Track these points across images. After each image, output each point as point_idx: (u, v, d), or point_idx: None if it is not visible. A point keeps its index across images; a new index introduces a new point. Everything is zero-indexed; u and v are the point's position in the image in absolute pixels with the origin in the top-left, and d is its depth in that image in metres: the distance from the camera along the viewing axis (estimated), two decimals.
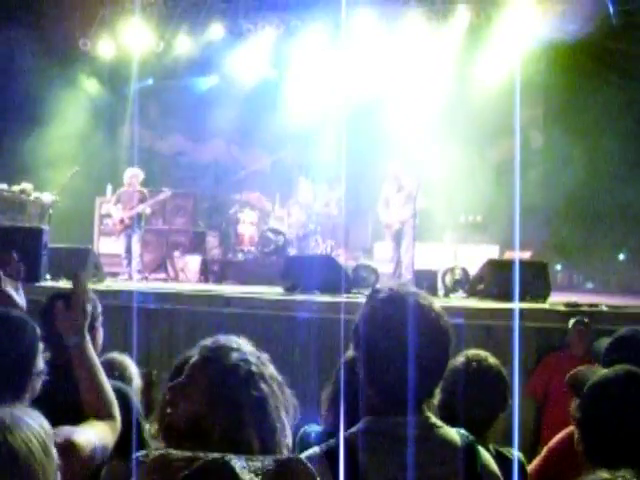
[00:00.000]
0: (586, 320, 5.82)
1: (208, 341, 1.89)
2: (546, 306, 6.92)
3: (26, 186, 9.99)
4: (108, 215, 11.33)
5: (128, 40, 12.76)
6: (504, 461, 2.57)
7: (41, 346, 2.26)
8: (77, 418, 2.21)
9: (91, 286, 7.16)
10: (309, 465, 1.71)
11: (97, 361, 2.25)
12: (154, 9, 12.79)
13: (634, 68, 11.07)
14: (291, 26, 12.37)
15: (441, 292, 8.41)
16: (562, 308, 6.56)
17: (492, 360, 2.83)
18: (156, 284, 9.84)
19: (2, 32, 10.92)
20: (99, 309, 3.14)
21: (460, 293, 8.40)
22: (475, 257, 9.80)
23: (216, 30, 12.70)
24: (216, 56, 13.16)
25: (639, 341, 3.16)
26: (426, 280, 8.21)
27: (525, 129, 11.85)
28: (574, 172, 10.58)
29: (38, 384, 2.21)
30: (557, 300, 7.23)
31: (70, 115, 12.57)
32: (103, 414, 2.17)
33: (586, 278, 12.04)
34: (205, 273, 10.88)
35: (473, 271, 8.39)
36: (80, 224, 12.35)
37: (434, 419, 1.95)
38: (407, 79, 11.95)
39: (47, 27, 12.56)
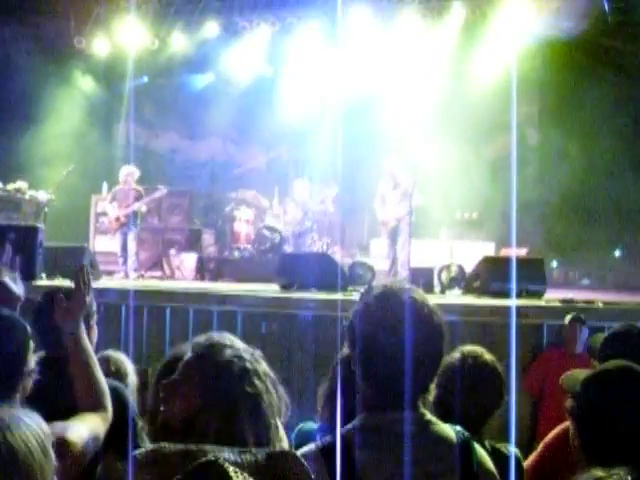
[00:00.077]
0: (582, 316, 5.83)
1: (201, 338, 1.89)
2: (542, 303, 6.93)
3: (21, 184, 9.97)
4: (104, 213, 11.31)
5: (123, 38, 12.74)
6: (500, 457, 2.57)
7: (32, 345, 2.25)
8: (70, 415, 2.20)
9: None
10: (301, 460, 1.71)
11: (92, 352, 2.25)
12: (149, 7, 12.76)
13: (629, 65, 11.09)
14: (286, 23, 12.36)
15: (437, 289, 8.41)
16: (558, 304, 6.57)
17: (488, 356, 2.83)
18: (152, 282, 9.83)
19: None
20: (94, 307, 3.13)
21: (456, 290, 8.40)
22: (471, 254, 9.80)
23: (211, 28, 12.68)
24: (211, 54, 13.14)
25: (634, 336, 3.17)
26: (422, 277, 8.21)
27: (521, 126, 11.85)
28: (570, 169, 10.60)
29: (29, 383, 2.21)
30: (553, 297, 7.24)
31: (65, 113, 12.55)
32: (95, 405, 2.16)
33: (582, 275, 12.06)
34: (201, 271, 10.88)
35: (469, 268, 8.39)
36: (76, 222, 12.32)
37: (429, 416, 1.95)
38: (403, 76, 11.94)
39: (42, 25, 12.54)
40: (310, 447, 1.93)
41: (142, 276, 10.51)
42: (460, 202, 11.78)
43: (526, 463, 3.03)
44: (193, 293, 7.72)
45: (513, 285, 6.60)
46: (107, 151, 13.42)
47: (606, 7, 10.69)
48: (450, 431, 1.94)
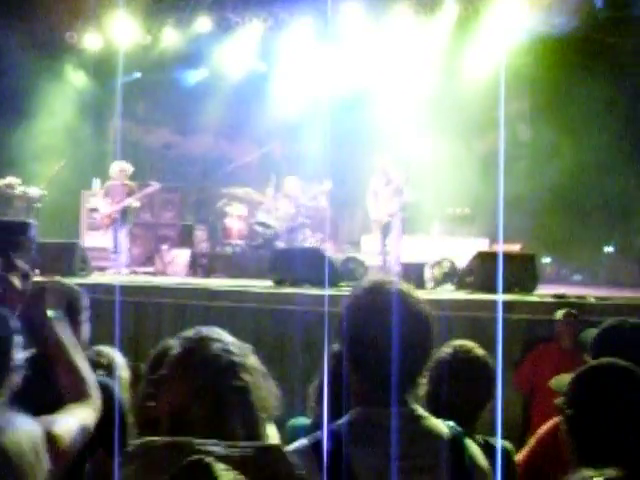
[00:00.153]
0: (574, 311, 5.86)
1: (189, 332, 1.89)
2: (534, 298, 6.96)
3: (12, 180, 9.95)
4: (95, 209, 11.26)
5: (115, 33, 12.69)
6: (492, 451, 2.57)
7: (18, 340, 2.23)
8: (58, 409, 2.19)
9: (79, 280, 7.14)
10: (289, 454, 1.70)
11: (73, 342, 2.23)
12: (141, 2, 12.71)
13: (620, 61, 11.11)
14: (279, 19, 12.35)
15: (429, 285, 8.43)
16: (550, 300, 6.60)
17: (479, 350, 2.83)
18: (144, 278, 9.82)
19: None
20: (84, 302, 3.12)
21: (448, 286, 8.43)
22: (463, 249, 9.82)
23: (203, 23, 12.65)
24: (204, 49, 13.12)
25: (626, 331, 3.18)
26: (414, 273, 8.25)
27: (512, 122, 11.87)
28: (561, 165, 10.62)
29: (16, 379, 2.19)
30: (545, 292, 7.27)
31: (57, 108, 12.51)
32: (81, 394, 2.15)
33: (574, 270, 12.10)
34: (193, 266, 10.87)
35: (461, 263, 8.41)
36: (67, 218, 12.29)
37: (421, 410, 1.95)
38: (395, 72, 11.95)
39: (34, 20, 12.48)
40: (302, 442, 1.92)
41: (134, 272, 10.49)
42: (452, 198, 11.79)
43: (518, 457, 3.04)
44: (185, 289, 7.72)
45: (505, 281, 6.62)
46: (99, 147, 13.37)
47: (597, 3, 10.71)
48: (442, 426, 1.94)
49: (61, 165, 10.20)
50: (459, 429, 1.97)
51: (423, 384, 2.58)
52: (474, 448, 2.00)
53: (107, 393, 2.59)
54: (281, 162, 12.33)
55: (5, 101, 11.69)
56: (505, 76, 8.54)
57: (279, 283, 7.82)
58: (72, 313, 2.96)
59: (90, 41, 12.97)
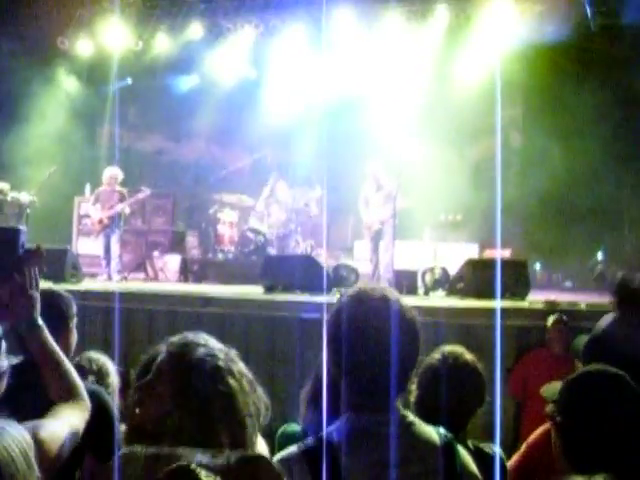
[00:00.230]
0: (565, 318, 5.87)
1: (176, 338, 1.88)
2: (525, 304, 6.97)
3: (3, 186, 9.91)
4: (87, 215, 11.24)
5: (107, 39, 12.69)
6: (483, 457, 2.58)
7: (3, 345, 2.21)
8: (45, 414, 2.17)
9: (69, 287, 7.11)
10: (274, 464, 1.70)
11: (55, 347, 2.21)
12: (133, 8, 12.71)
13: (612, 69, 11.16)
14: (270, 26, 12.36)
15: (421, 291, 8.44)
16: (541, 306, 6.61)
17: (468, 356, 2.83)
18: (135, 284, 9.79)
19: None
20: (74, 309, 3.10)
21: (440, 292, 8.43)
22: (455, 256, 9.84)
23: (195, 30, 12.65)
24: (196, 56, 13.12)
25: (617, 338, 3.19)
26: (406, 279, 8.24)
27: (504, 129, 11.90)
28: (552, 171, 10.65)
29: (2, 384, 2.17)
30: (536, 298, 7.28)
31: (48, 114, 12.49)
32: (68, 395, 2.13)
33: (565, 277, 12.13)
34: (185, 273, 10.85)
35: (453, 270, 8.42)
36: (59, 224, 12.25)
37: (412, 417, 1.95)
38: (387, 79, 11.98)
39: (25, 26, 12.47)
40: (292, 449, 1.92)
41: (125, 278, 10.46)
42: (444, 204, 11.82)
43: (509, 463, 3.04)
44: (177, 295, 7.70)
45: (497, 287, 6.62)
46: (90, 152, 13.35)
47: (588, 12, 10.76)
48: (433, 432, 1.94)
49: (52, 171, 10.15)
50: (449, 435, 1.97)
51: (413, 390, 2.58)
52: (466, 455, 2.00)
53: (97, 400, 2.58)
54: (273, 168, 12.32)
55: None
56: (497, 83, 8.57)
57: (270, 289, 7.81)
58: (61, 319, 2.94)
59: (82, 47, 12.95)
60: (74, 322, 3.08)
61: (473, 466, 2.00)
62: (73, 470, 2.56)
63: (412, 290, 8.16)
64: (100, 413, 2.53)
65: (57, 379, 2.12)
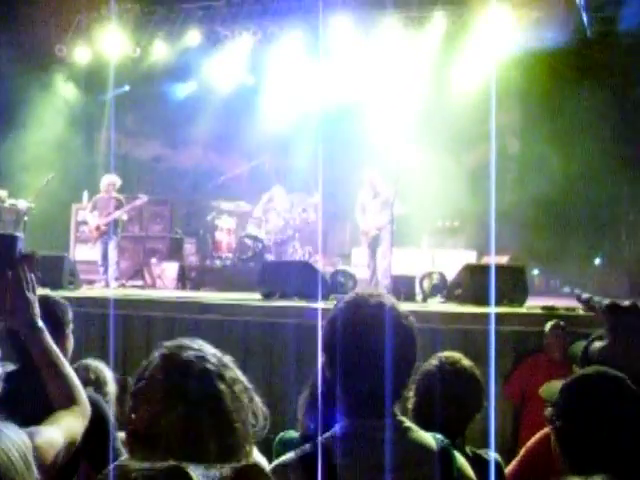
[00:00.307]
0: (562, 323, 5.87)
1: (170, 342, 1.88)
2: (523, 310, 6.96)
3: (0, 193, 9.90)
4: (84, 222, 11.23)
5: (104, 46, 12.71)
6: (481, 463, 2.57)
7: None
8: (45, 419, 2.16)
9: (67, 293, 7.10)
10: (268, 473, 1.69)
11: (56, 350, 2.21)
12: (130, 15, 12.73)
13: (608, 75, 11.19)
14: (268, 33, 12.38)
15: (419, 297, 8.43)
16: (539, 312, 6.61)
17: (466, 362, 2.83)
18: (133, 291, 9.77)
19: None
20: (69, 315, 3.09)
21: (438, 298, 8.43)
22: (453, 262, 9.83)
23: (193, 37, 12.68)
24: (193, 62, 13.14)
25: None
26: (404, 285, 8.23)
27: (501, 135, 11.91)
28: (550, 177, 10.66)
29: None
30: (534, 304, 7.28)
31: (46, 120, 12.50)
32: (68, 400, 2.12)
33: (563, 282, 12.13)
34: (182, 280, 10.83)
35: (451, 276, 8.42)
36: (56, 231, 12.24)
37: (408, 422, 1.94)
38: (384, 85, 11.99)
39: (23, 33, 12.50)
40: (290, 456, 1.92)
41: (123, 285, 10.45)
42: (441, 210, 11.82)
43: (507, 469, 3.03)
44: (174, 302, 7.68)
45: (494, 293, 6.62)
46: (88, 159, 13.36)
47: (585, 19, 10.80)
48: (429, 438, 1.94)
49: (50, 178, 10.15)
50: (446, 441, 1.96)
51: (410, 396, 2.58)
52: (462, 460, 2.00)
53: (94, 408, 2.57)
54: (270, 175, 12.32)
55: None
56: (494, 89, 8.59)
57: (268, 296, 7.80)
58: (57, 326, 2.94)
59: (79, 54, 12.97)
60: (70, 328, 3.08)
61: (470, 471, 2.00)
62: (69, 476, 2.55)
63: (410, 296, 8.16)
64: (97, 421, 2.52)
65: (58, 383, 2.11)
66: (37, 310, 2.08)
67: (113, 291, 9.35)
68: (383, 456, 1.82)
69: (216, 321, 6.90)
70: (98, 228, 10.19)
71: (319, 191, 11.08)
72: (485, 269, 7.83)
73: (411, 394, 2.68)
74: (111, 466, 1.63)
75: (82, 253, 11.69)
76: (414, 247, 11.52)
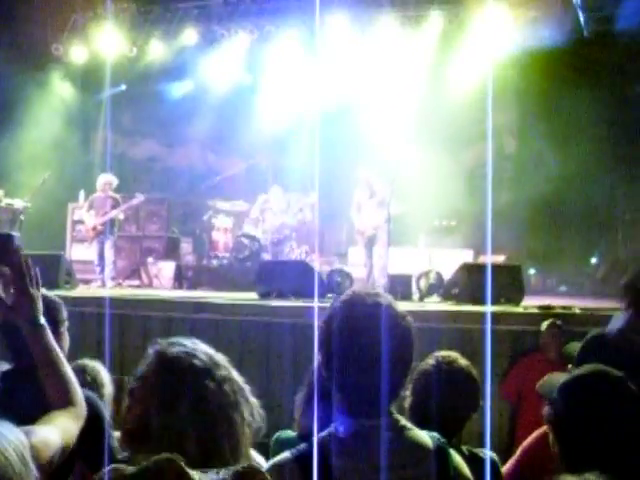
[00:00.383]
0: (559, 322, 5.87)
1: (162, 340, 1.88)
2: (520, 309, 6.97)
3: None
4: (81, 221, 11.21)
5: (101, 45, 12.69)
6: (477, 461, 2.57)
7: None
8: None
9: (63, 293, 7.09)
10: (266, 474, 1.68)
11: (57, 348, 2.20)
12: (127, 14, 12.72)
13: (606, 74, 11.20)
14: (265, 32, 12.37)
15: (416, 296, 8.44)
16: (536, 311, 6.61)
17: (462, 361, 2.83)
18: (130, 291, 9.76)
19: None
20: (64, 314, 3.09)
21: (435, 297, 8.43)
22: (449, 261, 9.83)
23: (189, 36, 12.66)
24: (190, 62, 13.12)
25: (610, 342, 3.18)
26: (401, 284, 8.24)
27: (498, 134, 11.92)
28: (547, 176, 10.68)
29: None
30: (531, 303, 7.28)
31: (43, 119, 12.47)
32: (67, 401, 2.12)
33: (559, 281, 12.13)
34: (179, 279, 10.82)
35: (447, 275, 8.42)
36: (53, 230, 12.22)
37: (404, 421, 1.94)
38: (381, 84, 11.98)
39: (19, 32, 12.46)
40: (286, 455, 1.91)
41: (120, 285, 10.44)
42: (438, 209, 11.82)
43: (504, 468, 3.03)
44: (171, 301, 7.68)
45: (490, 292, 6.62)
46: (84, 158, 13.34)
47: (581, 18, 10.80)
48: (426, 437, 1.94)
49: (46, 177, 10.14)
50: (443, 440, 1.96)
51: (407, 396, 2.58)
52: (458, 459, 2.00)
53: (90, 408, 2.56)
54: (267, 174, 12.32)
55: None
56: (491, 89, 8.58)
57: (265, 295, 7.80)
58: (53, 325, 2.93)
59: (76, 53, 12.95)
60: (65, 326, 3.07)
61: (466, 470, 2.00)
62: (65, 476, 2.54)
63: (407, 295, 8.17)
64: (93, 420, 2.51)
65: (56, 382, 2.11)
66: (40, 307, 2.08)
67: (110, 291, 9.35)
68: (379, 455, 1.81)
69: (213, 320, 6.89)
70: (94, 227, 10.17)
71: (315, 190, 11.07)
72: (482, 268, 7.84)
73: (408, 393, 2.68)
74: (106, 469, 1.63)
75: (78, 252, 11.67)
76: (411, 246, 11.52)
